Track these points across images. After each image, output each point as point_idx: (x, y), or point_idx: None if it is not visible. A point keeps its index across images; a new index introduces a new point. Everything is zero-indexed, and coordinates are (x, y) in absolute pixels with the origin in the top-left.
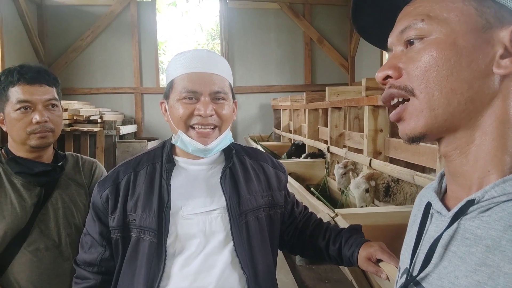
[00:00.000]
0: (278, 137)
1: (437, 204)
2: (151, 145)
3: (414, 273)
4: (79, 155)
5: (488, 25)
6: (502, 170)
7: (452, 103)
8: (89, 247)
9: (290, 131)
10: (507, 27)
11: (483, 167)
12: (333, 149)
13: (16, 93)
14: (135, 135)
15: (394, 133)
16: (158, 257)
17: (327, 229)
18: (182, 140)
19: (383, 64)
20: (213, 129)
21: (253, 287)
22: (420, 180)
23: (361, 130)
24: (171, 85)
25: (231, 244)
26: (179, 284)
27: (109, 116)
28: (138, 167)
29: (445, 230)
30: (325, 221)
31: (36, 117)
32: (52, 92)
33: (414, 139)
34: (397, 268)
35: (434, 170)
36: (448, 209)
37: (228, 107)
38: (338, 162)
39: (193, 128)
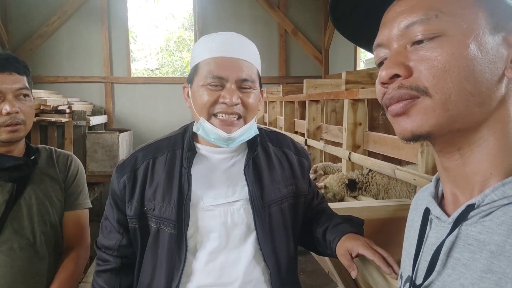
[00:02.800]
0: None
1: (435, 210)
2: (122, 136)
3: (418, 281)
4: (52, 148)
5: (499, 27)
6: (505, 172)
7: (467, 105)
8: (108, 232)
9: (265, 123)
10: None
11: (485, 170)
12: (311, 142)
13: None
14: (105, 126)
15: (372, 126)
16: (179, 250)
17: (323, 214)
18: (204, 128)
19: (387, 60)
20: (237, 118)
21: (276, 280)
22: (401, 174)
23: (338, 123)
24: (195, 69)
25: (253, 237)
26: (204, 280)
27: (78, 106)
28: (157, 153)
29: (447, 236)
30: None
31: (6, 107)
32: (23, 80)
33: (416, 137)
34: (380, 266)
35: (411, 163)
36: (447, 215)
37: (254, 96)
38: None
39: (216, 116)
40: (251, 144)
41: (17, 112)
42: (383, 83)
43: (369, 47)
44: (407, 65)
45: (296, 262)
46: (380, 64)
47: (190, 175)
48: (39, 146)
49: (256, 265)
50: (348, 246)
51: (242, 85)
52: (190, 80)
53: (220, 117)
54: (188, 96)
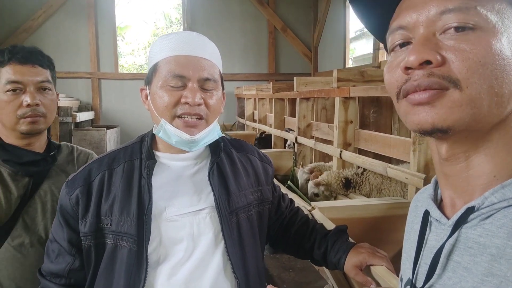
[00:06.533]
0: (242, 126)
1: (435, 213)
2: (110, 133)
3: (418, 285)
4: (74, 145)
5: None
6: (509, 175)
7: (490, 105)
8: (56, 256)
9: (254, 120)
10: None
11: (489, 172)
12: (301, 139)
13: (6, 73)
14: (92, 122)
15: (363, 124)
16: (139, 266)
17: (313, 230)
18: (165, 130)
19: (417, 44)
20: (199, 119)
21: None
22: (393, 173)
23: (328, 121)
24: (154, 69)
25: (222, 247)
26: None
27: (64, 102)
28: (113, 164)
29: (447, 239)
30: None
31: (27, 99)
32: (45, 74)
33: (434, 131)
34: (388, 269)
35: (402, 162)
36: (447, 217)
37: (216, 97)
38: (302, 166)
39: (180, 117)
40: (214, 149)
41: (37, 105)
42: (407, 68)
43: (377, 31)
44: (440, 53)
45: (263, 272)
46: (394, 48)
47: (151, 185)
48: (62, 143)
49: (224, 277)
50: (356, 262)
51: (204, 85)
52: (148, 81)
53: (182, 119)
54: (147, 99)
